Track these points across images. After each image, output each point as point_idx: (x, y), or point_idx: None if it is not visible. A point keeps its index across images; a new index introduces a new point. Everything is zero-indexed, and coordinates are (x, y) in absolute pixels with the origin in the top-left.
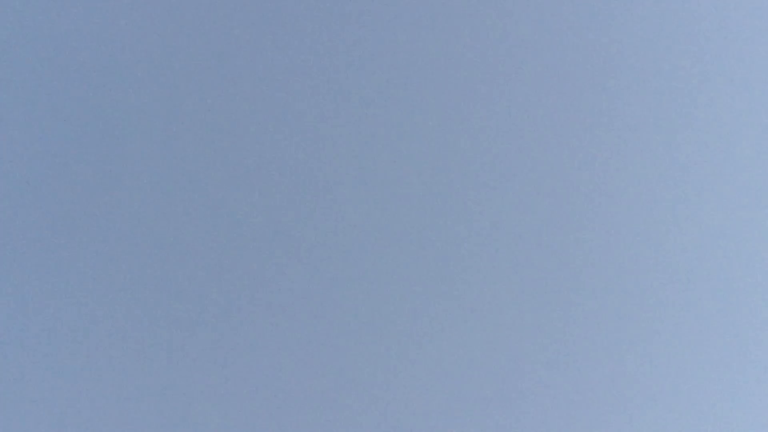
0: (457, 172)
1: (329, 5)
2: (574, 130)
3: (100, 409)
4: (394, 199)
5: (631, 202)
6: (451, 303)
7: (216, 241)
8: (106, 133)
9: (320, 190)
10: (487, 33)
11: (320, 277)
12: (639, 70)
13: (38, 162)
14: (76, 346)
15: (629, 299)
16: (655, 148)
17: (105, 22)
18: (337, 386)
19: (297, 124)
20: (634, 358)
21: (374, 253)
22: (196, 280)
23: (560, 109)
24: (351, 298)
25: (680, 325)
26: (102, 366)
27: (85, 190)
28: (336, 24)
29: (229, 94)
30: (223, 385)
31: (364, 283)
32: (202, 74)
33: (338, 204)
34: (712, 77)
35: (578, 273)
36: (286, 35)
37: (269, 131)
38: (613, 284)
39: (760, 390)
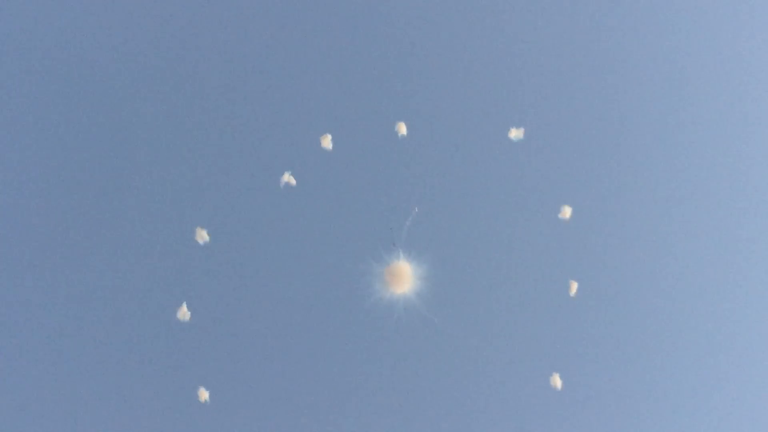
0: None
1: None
2: (575, 131)
3: (99, 408)
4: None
5: (635, 202)
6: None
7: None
8: (104, 135)
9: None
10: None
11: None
12: (640, 71)
13: (37, 162)
14: (75, 346)
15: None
16: (658, 148)
17: (105, 23)
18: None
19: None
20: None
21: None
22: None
23: (561, 109)
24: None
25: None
26: (101, 366)
27: (84, 191)
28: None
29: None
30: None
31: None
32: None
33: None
34: (713, 77)
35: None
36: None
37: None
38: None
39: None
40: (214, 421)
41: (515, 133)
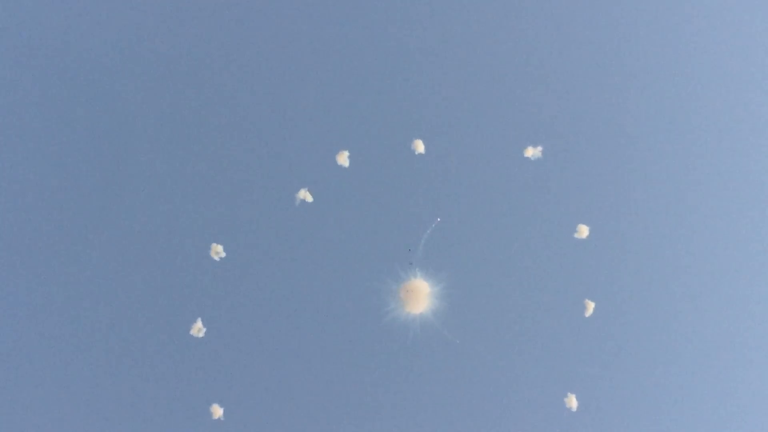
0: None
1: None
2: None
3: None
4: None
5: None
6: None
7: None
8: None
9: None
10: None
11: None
12: (641, 71)
13: (38, 162)
14: (75, 346)
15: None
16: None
17: (104, 23)
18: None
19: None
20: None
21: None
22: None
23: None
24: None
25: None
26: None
27: (84, 191)
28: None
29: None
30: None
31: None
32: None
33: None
34: (713, 77)
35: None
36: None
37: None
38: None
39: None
40: None
41: (532, 152)
